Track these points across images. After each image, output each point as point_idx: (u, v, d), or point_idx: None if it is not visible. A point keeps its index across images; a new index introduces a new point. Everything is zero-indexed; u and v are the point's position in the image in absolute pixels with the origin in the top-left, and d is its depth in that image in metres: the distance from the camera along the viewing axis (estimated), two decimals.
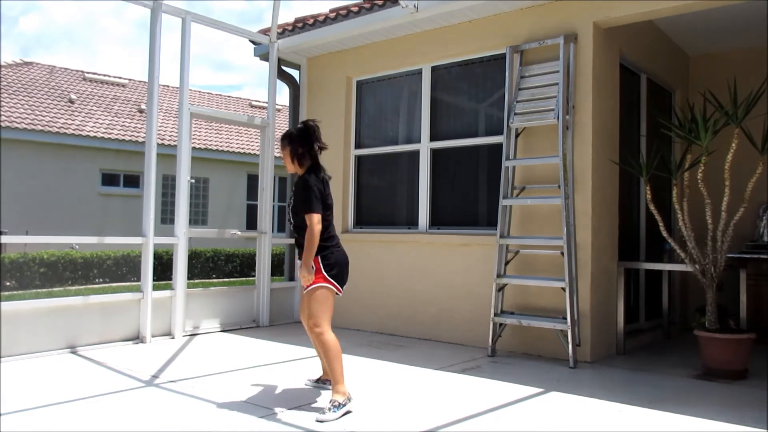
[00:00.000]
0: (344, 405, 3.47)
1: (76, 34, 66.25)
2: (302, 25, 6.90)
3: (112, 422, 3.31)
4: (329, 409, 3.42)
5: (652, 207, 4.89)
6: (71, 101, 16.35)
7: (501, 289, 5.30)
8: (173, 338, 5.84)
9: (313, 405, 3.67)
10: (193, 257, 13.13)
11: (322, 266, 3.62)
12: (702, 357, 4.63)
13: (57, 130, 14.68)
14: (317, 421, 3.36)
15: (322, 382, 4.05)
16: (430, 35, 6.18)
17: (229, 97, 22.16)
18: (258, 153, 7.65)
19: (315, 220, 3.55)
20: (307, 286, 3.62)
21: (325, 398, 3.77)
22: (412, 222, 6.40)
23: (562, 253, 4.95)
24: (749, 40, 6.42)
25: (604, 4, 5.09)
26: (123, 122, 16.50)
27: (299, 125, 3.83)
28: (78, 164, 15.05)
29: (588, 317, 5.03)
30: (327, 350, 3.59)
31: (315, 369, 4.61)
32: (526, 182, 5.43)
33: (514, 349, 5.37)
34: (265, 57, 7.05)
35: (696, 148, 4.89)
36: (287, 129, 3.90)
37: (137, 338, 5.63)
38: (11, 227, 12.15)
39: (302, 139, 3.76)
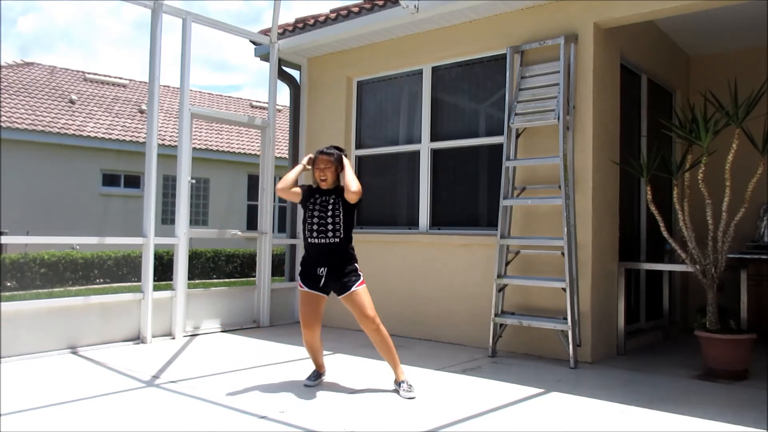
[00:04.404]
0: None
1: (74, 34, 66.31)
2: (303, 25, 6.91)
3: (113, 423, 3.31)
4: (410, 388, 3.94)
5: (652, 207, 4.89)
6: (72, 102, 16.36)
7: (501, 289, 5.30)
8: (174, 338, 5.84)
9: (313, 405, 3.67)
10: (194, 257, 13.13)
11: (357, 267, 4.10)
12: (702, 357, 4.62)
13: (58, 130, 14.69)
14: (409, 398, 3.84)
15: (316, 377, 4.24)
16: (431, 35, 6.18)
17: (229, 97, 22.18)
18: (258, 153, 7.65)
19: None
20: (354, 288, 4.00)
21: (324, 398, 3.77)
22: (412, 222, 6.40)
23: (563, 254, 4.95)
24: (749, 41, 6.42)
25: (605, 5, 5.09)
26: (124, 123, 16.51)
27: (340, 152, 4.18)
28: (79, 165, 15.07)
29: (588, 317, 5.03)
30: (388, 340, 4.05)
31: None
32: (527, 182, 5.43)
33: (514, 350, 5.37)
34: (265, 57, 7.05)
35: (696, 148, 4.89)
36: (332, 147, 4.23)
37: (138, 338, 5.63)
38: (12, 227, 12.16)
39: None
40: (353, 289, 3.99)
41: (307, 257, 4.12)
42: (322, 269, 4.00)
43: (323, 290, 4.06)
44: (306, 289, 4.05)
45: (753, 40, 6.39)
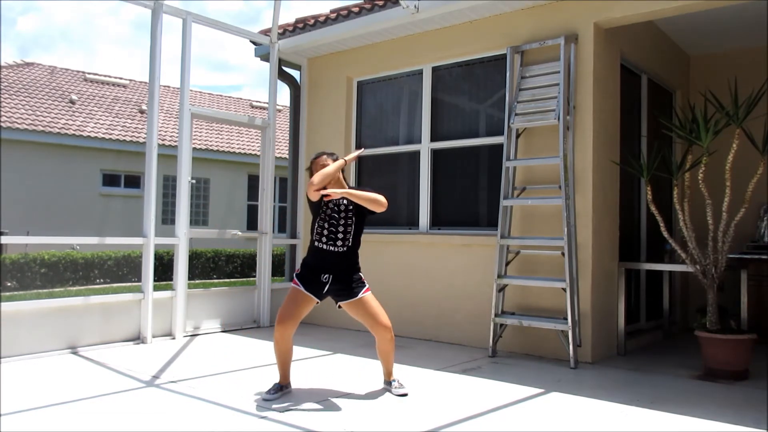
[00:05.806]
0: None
1: (73, 34, 66.32)
2: (303, 25, 6.91)
3: (113, 423, 3.31)
4: (401, 385, 3.98)
5: (652, 207, 4.89)
6: (72, 102, 16.36)
7: (502, 289, 5.30)
8: (174, 339, 5.84)
9: (313, 405, 3.67)
10: (194, 258, 13.13)
11: (362, 275, 4.01)
12: (703, 357, 4.62)
13: (58, 130, 14.69)
14: (402, 395, 3.87)
15: (278, 389, 3.85)
16: (431, 36, 6.18)
17: (229, 97, 22.18)
18: (258, 153, 7.65)
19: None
20: (362, 294, 3.90)
21: (324, 398, 3.78)
22: (412, 222, 6.40)
23: (563, 254, 4.94)
24: (749, 40, 6.42)
25: (605, 5, 5.09)
26: (124, 123, 16.52)
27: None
28: (79, 165, 15.07)
29: (589, 318, 5.03)
30: (393, 346, 3.96)
31: (317, 369, 4.62)
32: (527, 183, 5.43)
33: (514, 350, 5.37)
34: (265, 57, 7.05)
35: (697, 148, 4.89)
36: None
37: (138, 338, 5.63)
38: (12, 228, 12.15)
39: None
40: (360, 295, 3.86)
41: (310, 260, 3.92)
42: (327, 276, 3.85)
43: (320, 297, 3.88)
44: (301, 288, 3.82)
45: (753, 40, 6.39)
